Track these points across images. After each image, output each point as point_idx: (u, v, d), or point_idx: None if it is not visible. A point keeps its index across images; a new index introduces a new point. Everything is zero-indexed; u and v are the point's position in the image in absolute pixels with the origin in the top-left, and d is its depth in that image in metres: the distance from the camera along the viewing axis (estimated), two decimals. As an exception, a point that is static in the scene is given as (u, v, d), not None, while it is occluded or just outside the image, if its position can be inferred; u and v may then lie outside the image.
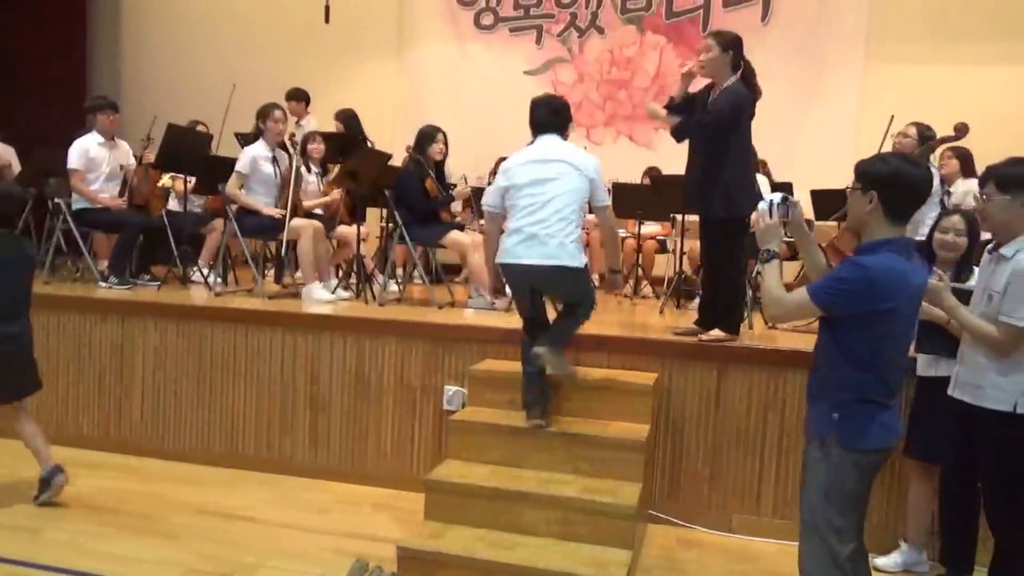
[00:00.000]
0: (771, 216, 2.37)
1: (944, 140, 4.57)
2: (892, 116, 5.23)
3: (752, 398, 3.62)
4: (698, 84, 3.89)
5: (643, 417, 3.48)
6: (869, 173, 2.22)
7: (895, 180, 2.18)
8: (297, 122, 6.53)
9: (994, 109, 6.22)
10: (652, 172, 6.15)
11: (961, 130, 4.33)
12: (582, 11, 7.73)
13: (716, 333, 3.76)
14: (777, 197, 2.41)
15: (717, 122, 3.63)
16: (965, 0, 6.65)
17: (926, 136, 4.36)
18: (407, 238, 4.82)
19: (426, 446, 4.00)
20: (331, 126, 6.36)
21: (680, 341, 3.81)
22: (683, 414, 3.69)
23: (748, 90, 3.69)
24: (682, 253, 5.54)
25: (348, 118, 6.41)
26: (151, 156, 5.47)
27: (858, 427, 2.21)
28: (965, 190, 5.18)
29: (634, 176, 6.42)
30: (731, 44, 3.70)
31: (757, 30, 6.94)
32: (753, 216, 2.48)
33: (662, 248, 6.56)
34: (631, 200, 5.66)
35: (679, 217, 5.64)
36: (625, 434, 3.33)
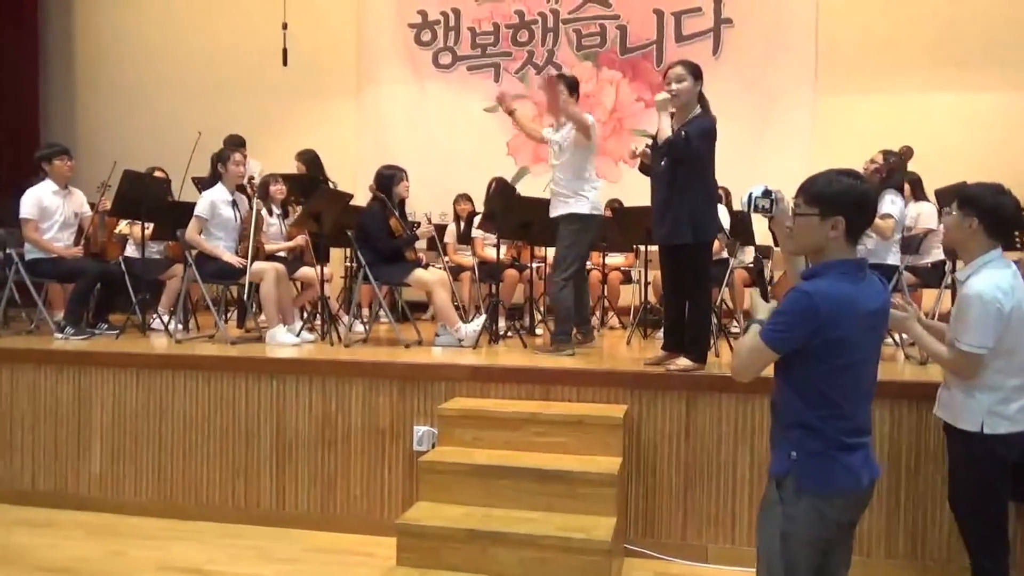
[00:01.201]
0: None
1: (896, 165, 4.67)
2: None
3: (722, 426, 3.63)
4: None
5: (614, 450, 3.47)
6: (831, 197, 2.03)
7: (863, 203, 2.05)
8: None
9: (937, 135, 6.46)
10: (614, 203, 6.23)
11: (906, 154, 4.46)
12: (539, 49, 7.88)
13: (683, 362, 3.78)
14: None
15: (688, 145, 3.66)
16: (907, 33, 6.94)
17: (890, 162, 4.47)
18: (371, 278, 4.78)
19: (397, 489, 3.93)
20: (287, 168, 6.34)
21: (648, 372, 3.82)
22: (654, 445, 3.68)
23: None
24: (646, 283, 5.59)
25: (309, 159, 6.41)
26: (107, 203, 5.37)
27: (818, 469, 2.04)
28: (917, 212, 5.34)
29: (596, 208, 6.48)
30: (700, 74, 3.80)
31: (709, 64, 7.07)
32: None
33: (626, 279, 6.62)
34: (595, 232, 5.70)
35: (642, 247, 5.70)
36: (597, 468, 3.31)
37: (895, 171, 4.47)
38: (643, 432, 3.69)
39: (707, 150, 3.75)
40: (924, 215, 5.30)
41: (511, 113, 4.84)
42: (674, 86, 3.74)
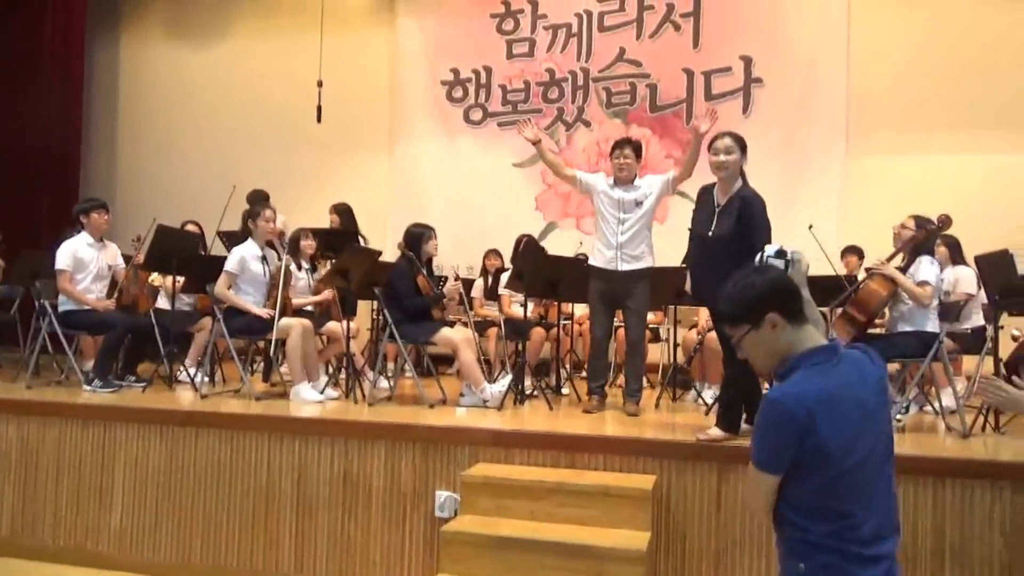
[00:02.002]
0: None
1: (934, 232, 4.55)
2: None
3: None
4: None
5: (643, 523, 3.35)
6: (748, 304, 1.90)
7: (778, 287, 1.90)
8: None
9: (972, 197, 6.33)
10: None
11: (944, 222, 4.36)
12: (568, 106, 7.94)
13: (714, 432, 3.67)
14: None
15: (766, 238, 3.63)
16: (940, 93, 6.84)
17: (922, 228, 4.37)
18: (397, 337, 4.75)
19: (417, 557, 3.82)
20: (320, 222, 6.40)
21: (677, 441, 3.71)
22: (684, 519, 3.55)
23: None
24: (676, 344, 5.48)
25: (343, 211, 6.48)
26: (141, 257, 5.45)
27: None
28: (955, 277, 5.21)
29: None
30: (746, 147, 3.81)
31: (739, 123, 7.11)
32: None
33: (655, 337, 6.52)
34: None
35: (672, 307, 5.62)
36: (624, 543, 3.19)
37: (929, 237, 4.37)
38: (673, 504, 3.56)
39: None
40: (963, 280, 5.16)
41: (536, 143, 4.82)
42: (722, 157, 3.75)
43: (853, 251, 6.27)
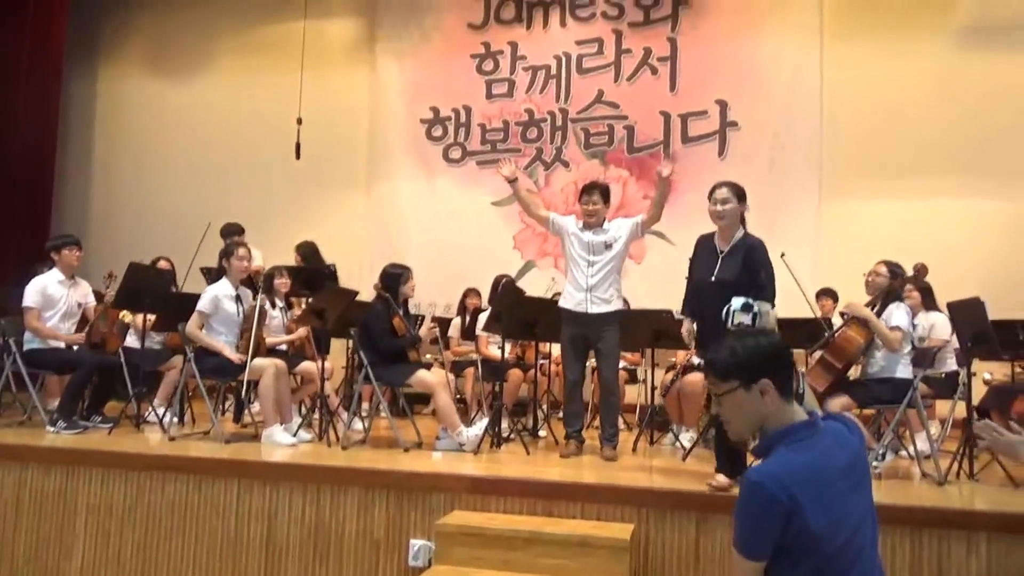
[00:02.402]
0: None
1: (908, 280, 4.62)
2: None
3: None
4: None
5: (620, 575, 3.28)
6: (746, 362, 1.83)
7: (781, 354, 1.84)
8: None
9: (944, 242, 6.44)
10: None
11: (921, 271, 4.41)
12: (547, 146, 8.01)
13: (721, 479, 3.60)
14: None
15: (772, 285, 3.59)
16: (912, 138, 7.00)
17: (896, 274, 4.43)
18: (373, 379, 4.68)
19: (389, 609, 3.72)
20: (292, 259, 6.33)
21: (655, 489, 3.66)
22: (663, 569, 3.49)
23: None
24: (653, 388, 5.46)
25: (308, 251, 6.38)
26: (112, 294, 5.35)
27: None
28: (929, 323, 5.27)
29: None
30: (744, 195, 3.84)
31: (715, 166, 7.24)
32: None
33: (632, 378, 6.49)
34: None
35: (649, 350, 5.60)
36: (602, 597, 3.13)
37: (903, 284, 4.43)
38: (651, 555, 3.50)
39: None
40: (938, 326, 5.22)
41: (512, 181, 4.82)
42: (719, 207, 3.78)
43: (827, 294, 6.32)
